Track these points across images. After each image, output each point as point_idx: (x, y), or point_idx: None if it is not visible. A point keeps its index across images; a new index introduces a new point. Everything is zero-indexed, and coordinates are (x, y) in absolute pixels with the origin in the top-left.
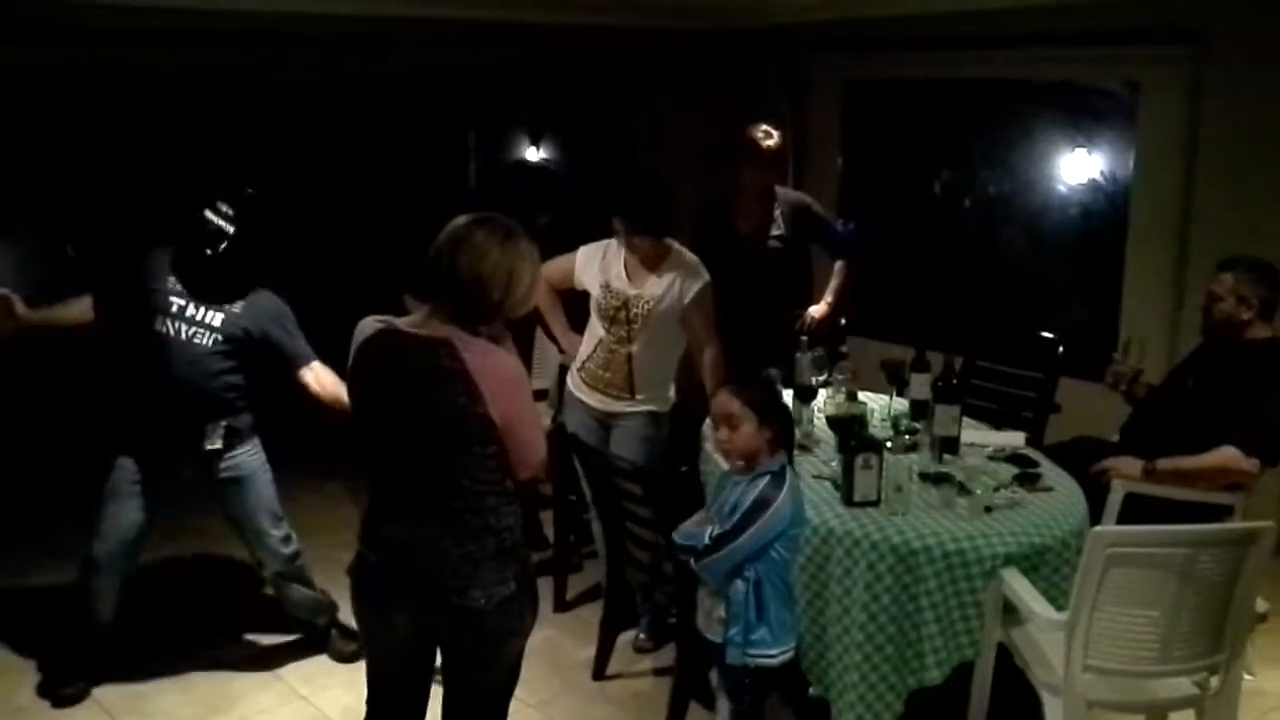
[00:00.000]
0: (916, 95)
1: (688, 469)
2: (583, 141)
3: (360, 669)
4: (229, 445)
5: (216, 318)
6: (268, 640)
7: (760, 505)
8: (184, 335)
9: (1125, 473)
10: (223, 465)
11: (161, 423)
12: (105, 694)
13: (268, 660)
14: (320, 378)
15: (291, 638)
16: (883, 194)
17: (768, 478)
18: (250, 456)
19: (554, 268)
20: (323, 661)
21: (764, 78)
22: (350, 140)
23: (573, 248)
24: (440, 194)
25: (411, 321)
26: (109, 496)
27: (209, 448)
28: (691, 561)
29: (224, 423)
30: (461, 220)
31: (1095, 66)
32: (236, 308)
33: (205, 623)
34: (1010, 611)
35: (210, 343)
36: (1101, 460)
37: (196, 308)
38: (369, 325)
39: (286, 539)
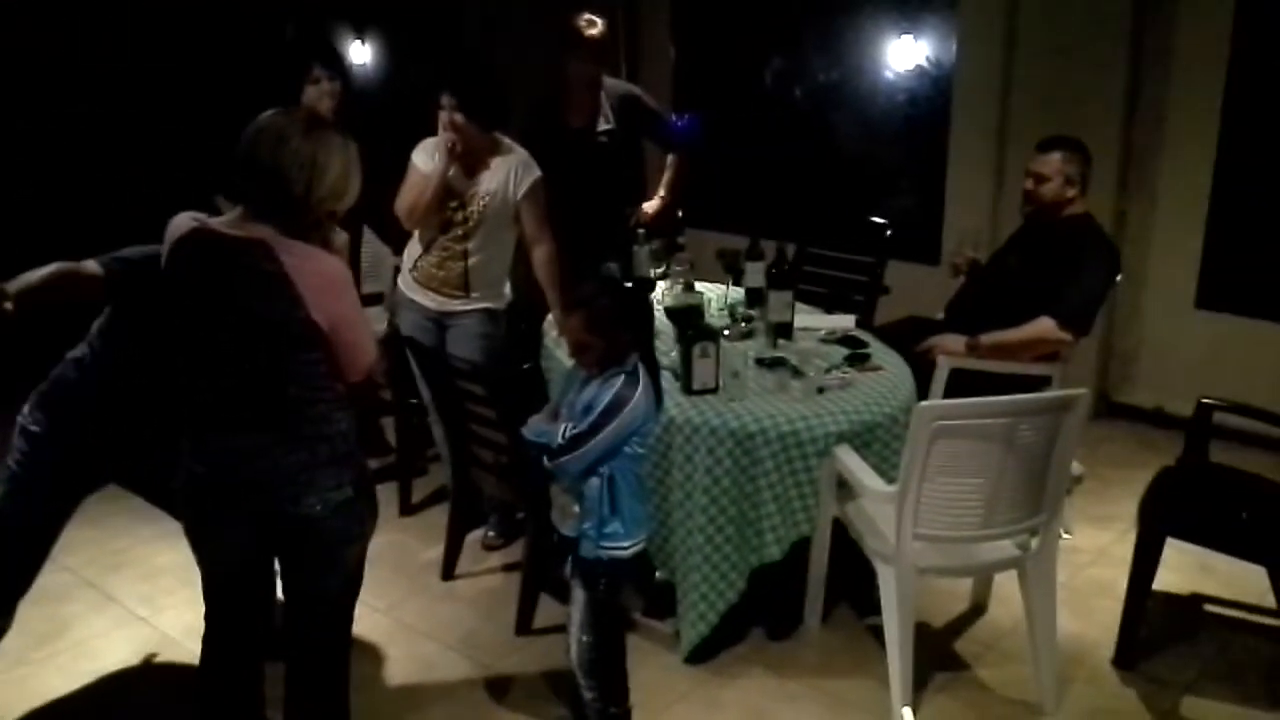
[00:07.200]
0: None
1: (530, 365)
2: (409, 36)
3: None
4: None
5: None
6: (98, 565)
7: (616, 405)
8: None
9: (949, 349)
10: None
11: None
12: None
13: (101, 584)
14: None
15: (125, 560)
16: (716, 84)
17: (622, 377)
18: None
19: (412, 186)
20: (159, 582)
21: None
22: (168, 35)
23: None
24: (259, 91)
25: (226, 221)
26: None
27: None
28: (544, 459)
29: None
30: (268, 112)
31: None
32: None
33: None
34: (844, 487)
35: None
36: (927, 339)
37: None
38: (183, 222)
39: None
